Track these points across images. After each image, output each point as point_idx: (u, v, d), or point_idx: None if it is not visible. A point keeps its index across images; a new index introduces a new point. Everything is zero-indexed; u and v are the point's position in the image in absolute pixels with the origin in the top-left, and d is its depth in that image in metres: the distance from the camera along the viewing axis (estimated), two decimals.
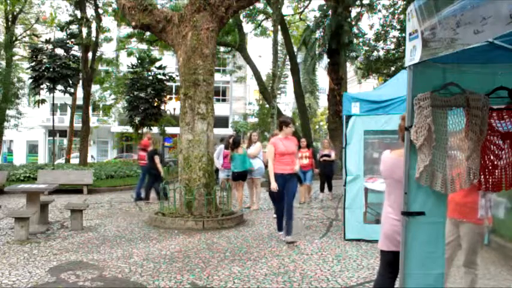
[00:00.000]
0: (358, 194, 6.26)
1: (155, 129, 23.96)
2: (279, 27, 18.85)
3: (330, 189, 11.05)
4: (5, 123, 19.88)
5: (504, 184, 2.62)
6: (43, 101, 17.88)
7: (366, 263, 5.12)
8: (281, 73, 28.72)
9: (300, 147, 10.77)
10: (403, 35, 16.08)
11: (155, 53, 25.15)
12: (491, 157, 2.59)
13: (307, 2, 24.12)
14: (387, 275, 2.92)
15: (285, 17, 22.09)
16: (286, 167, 6.03)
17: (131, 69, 23.02)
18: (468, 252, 3.29)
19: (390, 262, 2.82)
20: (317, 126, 43.05)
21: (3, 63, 19.57)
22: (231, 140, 8.97)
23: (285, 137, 6.16)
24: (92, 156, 31.88)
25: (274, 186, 5.93)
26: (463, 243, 3.32)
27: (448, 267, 3.21)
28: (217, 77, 18.57)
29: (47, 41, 17.11)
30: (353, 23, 19.83)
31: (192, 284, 4.36)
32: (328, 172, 10.86)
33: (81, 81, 19.65)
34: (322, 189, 10.95)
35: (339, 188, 11.88)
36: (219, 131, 22.23)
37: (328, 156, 10.71)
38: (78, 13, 19.73)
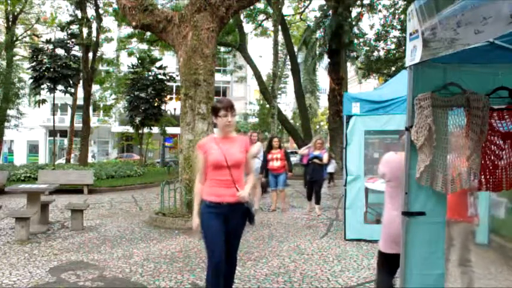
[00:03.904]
0: (359, 194, 6.26)
1: (155, 129, 24.03)
2: (280, 27, 18.88)
3: (318, 201, 8.76)
4: (6, 123, 19.91)
5: (505, 184, 2.62)
6: (43, 101, 17.91)
7: (366, 263, 5.13)
8: (281, 73, 28.76)
9: (271, 147, 9.05)
10: (404, 35, 16.07)
11: (155, 53, 25.23)
12: (492, 157, 2.59)
13: (308, 2, 24.15)
14: (392, 272, 2.96)
15: (285, 17, 22.10)
16: (223, 190, 3.22)
17: (132, 69, 23.11)
18: (461, 250, 3.40)
19: (393, 263, 2.83)
20: (317, 127, 43.09)
21: (4, 63, 19.59)
22: None
23: (224, 135, 3.34)
24: (93, 156, 31.90)
25: (194, 223, 3.31)
26: (456, 242, 3.38)
27: (446, 267, 3.23)
28: (218, 77, 18.61)
29: (48, 41, 17.15)
30: (353, 23, 19.87)
31: (193, 284, 4.36)
32: (316, 178, 8.67)
33: (81, 81, 19.70)
34: (309, 198, 8.95)
35: (339, 188, 11.88)
36: None
37: (320, 158, 8.60)
38: (78, 13, 19.78)
